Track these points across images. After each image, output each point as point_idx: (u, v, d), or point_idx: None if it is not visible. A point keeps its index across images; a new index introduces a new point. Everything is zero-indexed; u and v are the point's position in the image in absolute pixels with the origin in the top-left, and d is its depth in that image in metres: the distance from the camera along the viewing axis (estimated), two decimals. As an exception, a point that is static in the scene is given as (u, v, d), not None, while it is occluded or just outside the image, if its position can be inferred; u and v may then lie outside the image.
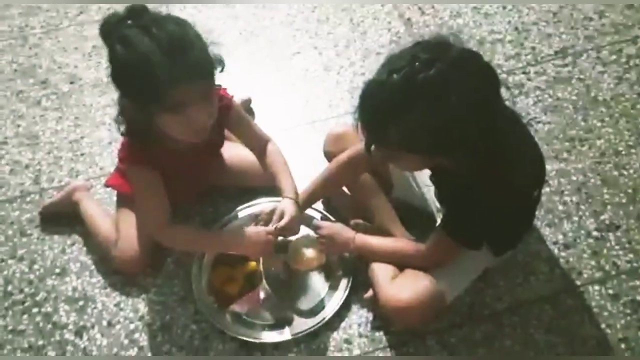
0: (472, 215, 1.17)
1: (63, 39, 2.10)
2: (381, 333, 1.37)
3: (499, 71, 1.86)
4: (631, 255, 1.47)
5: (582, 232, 1.52)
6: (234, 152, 1.59)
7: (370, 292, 1.38)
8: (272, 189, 1.44)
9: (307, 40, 2.05)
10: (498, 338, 1.35)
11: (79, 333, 1.40)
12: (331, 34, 2.07)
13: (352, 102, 1.87)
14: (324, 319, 1.36)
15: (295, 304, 1.41)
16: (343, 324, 1.38)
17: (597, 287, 1.42)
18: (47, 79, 1.97)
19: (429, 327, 1.35)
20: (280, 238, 1.38)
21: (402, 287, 1.26)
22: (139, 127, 1.28)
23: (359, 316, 1.40)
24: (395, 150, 1.10)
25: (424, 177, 1.43)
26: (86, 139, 1.80)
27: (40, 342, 1.39)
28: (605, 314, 1.38)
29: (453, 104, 1.01)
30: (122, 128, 1.30)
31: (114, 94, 1.28)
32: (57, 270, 1.51)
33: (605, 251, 1.48)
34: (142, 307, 1.44)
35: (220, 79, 1.34)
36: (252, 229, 1.36)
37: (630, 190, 1.59)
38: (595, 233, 1.51)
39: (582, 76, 1.87)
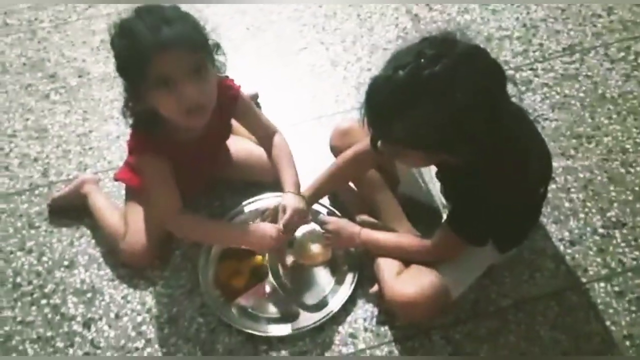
0: (478, 212, 1.17)
1: (71, 33, 2.11)
2: (386, 328, 1.37)
3: (506, 67, 1.86)
4: (637, 253, 1.47)
5: (588, 229, 1.52)
6: (241, 146, 1.60)
7: (375, 287, 1.38)
8: (278, 184, 1.45)
9: (314, 35, 2.05)
10: (503, 334, 1.35)
11: (86, 325, 1.42)
12: (338, 29, 2.07)
13: (359, 97, 1.87)
14: (329, 313, 1.37)
15: (300, 299, 1.41)
16: (348, 318, 1.39)
17: (602, 285, 1.42)
18: (56, 73, 1.98)
19: (434, 322, 1.36)
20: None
21: (408, 282, 1.27)
22: (143, 115, 1.29)
23: (364, 311, 1.40)
24: (400, 146, 1.11)
25: (430, 173, 1.43)
26: (94, 132, 1.81)
27: (49, 334, 1.41)
28: (611, 311, 1.38)
29: (458, 101, 1.01)
30: (130, 120, 1.32)
31: (121, 88, 1.29)
32: (66, 263, 1.53)
33: (611, 248, 1.48)
34: (150, 300, 1.45)
35: (227, 73, 1.36)
36: (260, 224, 1.37)
37: (637, 188, 1.59)
38: (601, 230, 1.51)
39: (589, 73, 1.87)
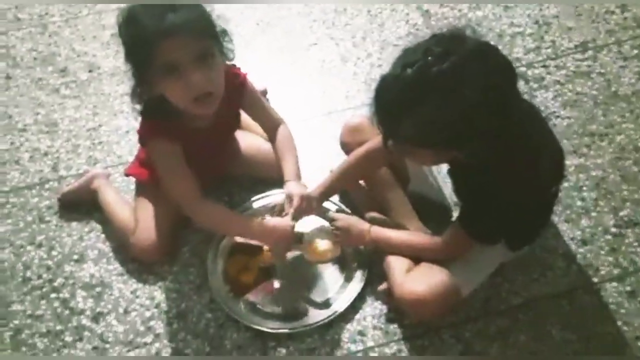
0: (489, 210, 1.16)
1: (82, 27, 2.11)
2: (395, 326, 1.37)
3: (517, 64, 1.87)
4: (650, 253, 1.46)
5: (600, 228, 1.50)
6: (251, 141, 1.60)
7: (384, 285, 1.38)
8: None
9: (325, 31, 2.04)
10: (513, 333, 1.34)
11: (95, 319, 1.42)
12: (349, 25, 2.05)
13: (369, 93, 1.87)
14: (337, 311, 1.36)
15: (309, 295, 1.41)
16: (357, 316, 1.38)
17: (614, 284, 1.41)
18: (66, 67, 1.99)
19: (444, 320, 1.35)
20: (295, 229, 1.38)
21: (418, 280, 1.26)
22: (151, 103, 1.29)
23: (373, 308, 1.40)
24: (409, 144, 1.10)
25: (441, 170, 1.42)
26: (104, 127, 1.82)
27: (58, 327, 1.41)
28: (622, 311, 1.36)
29: (467, 98, 1.00)
30: (139, 107, 1.33)
31: (131, 78, 1.29)
32: (75, 257, 1.53)
33: (623, 248, 1.47)
34: (159, 295, 1.45)
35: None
36: (276, 221, 1.36)
37: (650, 187, 1.58)
38: (613, 229, 1.50)
39: (602, 71, 1.85)
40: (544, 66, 1.88)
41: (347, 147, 1.49)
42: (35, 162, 1.74)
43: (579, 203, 1.55)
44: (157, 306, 1.43)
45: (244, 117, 1.55)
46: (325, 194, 1.43)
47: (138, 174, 1.55)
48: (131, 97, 1.32)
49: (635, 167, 1.61)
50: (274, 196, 1.54)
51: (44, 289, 1.48)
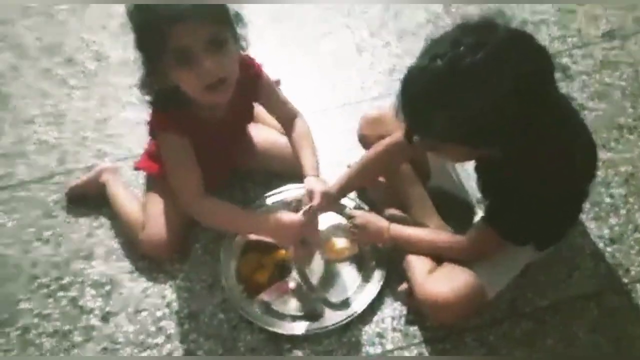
0: (521, 208, 1.09)
1: (90, 16, 2.06)
2: (416, 328, 1.31)
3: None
4: (683, 252, 1.39)
5: (630, 226, 1.44)
6: (265, 134, 1.55)
7: (404, 285, 1.32)
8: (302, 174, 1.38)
9: (339, 19, 1.98)
10: (539, 336, 1.29)
11: (105, 318, 1.37)
12: (364, 12, 1.99)
13: (387, 84, 1.80)
14: (356, 312, 1.31)
15: (326, 295, 1.35)
16: (376, 317, 1.33)
17: (645, 285, 1.35)
18: (74, 57, 1.93)
19: (466, 323, 1.29)
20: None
21: (441, 282, 1.20)
22: (162, 93, 1.24)
23: (392, 309, 1.34)
24: (440, 140, 1.04)
25: (463, 165, 1.36)
26: (113, 119, 1.77)
27: (66, 327, 1.37)
28: (654, 313, 1.31)
29: (502, 90, 0.94)
30: (148, 98, 1.28)
31: (140, 67, 1.23)
32: (83, 254, 1.48)
33: (655, 247, 1.40)
34: (169, 294, 1.40)
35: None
36: (286, 215, 1.31)
37: (682, 183, 1.51)
38: (644, 227, 1.43)
39: (631, 60, 1.77)
40: (569, 55, 1.80)
41: (365, 140, 1.43)
42: (42, 155, 1.69)
43: (607, 200, 1.48)
44: (168, 305, 1.38)
45: (257, 109, 1.49)
46: (344, 191, 1.37)
47: (148, 168, 1.50)
48: (140, 87, 1.27)
49: (667, 162, 1.54)
50: (289, 192, 1.48)
51: (52, 287, 1.43)
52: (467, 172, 1.36)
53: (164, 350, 1.32)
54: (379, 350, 1.29)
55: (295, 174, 1.42)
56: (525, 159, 1.05)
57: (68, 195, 1.58)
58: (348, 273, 1.39)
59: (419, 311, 1.30)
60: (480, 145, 1.03)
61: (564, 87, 1.67)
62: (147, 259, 1.45)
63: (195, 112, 1.30)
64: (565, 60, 1.79)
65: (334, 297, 1.35)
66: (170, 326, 1.35)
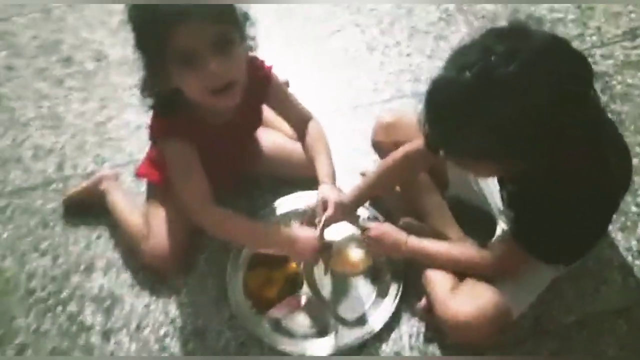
0: (552, 225, 1.02)
1: (88, 13, 1.98)
2: (435, 346, 1.24)
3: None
4: None
5: (659, 237, 1.37)
6: (273, 139, 1.48)
7: (423, 301, 1.25)
8: (313, 181, 1.31)
9: (348, 17, 1.90)
10: (566, 354, 1.22)
11: (106, 336, 1.30)
12: (375, 10, 1.91)
13: (398, 85, 1.72)
14: (373, 330, 1.24)
15: (339, 312, 1.28)
16: (392, 335, 1.26)
17: (677, 300, 1.28)
18: (72, 56, 1.86)
19: (488, 341, 1.22)
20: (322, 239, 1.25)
21: (464, 300, 1.13)
22: (164, 96, 1.17)
23: (409, 326, 1.27)
24: (472, 159, 0.96)
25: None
26: (113, 121, 1.69)
27: (65, 344, 1.29)
28: (687, 331, 1.24)
29: (539, 103, 0.87)
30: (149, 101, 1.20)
31: (140, 68, 1.16)
32: (82, 266, 1.41)
33: (685, 259, 1.33)
34: (173, 310, 1.33)
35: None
36: (302, 231, 1.24)
37: None
38: (674, 238, 1.36)
39: (654, 60, 1.70)
40: (589, 55, 1.70)
41: (380, 147, 1.36)
42: (38, 161, 1.62)
43: (634, 209, 1.41)
44: (172, 322, 1.31)
45: (265, 112, 1.41)
46: (359, 200, 1.30)
47: (149, 175, 1.43)
48: (141, 90, 1.19)
49: (695, 168, 1.47)
50: (299, 199, 1.41)
51: (50, 302, 1.36)
52: (487, 182, 1.29)
53: (168, 370, 1.25)
54: (396, 367, 1.22)
55: (304, 180, 1.35)
56: (558, 170, 0.98)
57: (66, 203, 1.50)
58: (362, 287, 1.32)
59: (437, 328, 1.23)
60: (515, 162, 0.95)
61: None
62: (149, 271, 1.38)
63: (199, 116, 1.22)
64: (585, 60, 1.71)
65: (348, 313, 1.28)
66: (175, 344, 1.28)
